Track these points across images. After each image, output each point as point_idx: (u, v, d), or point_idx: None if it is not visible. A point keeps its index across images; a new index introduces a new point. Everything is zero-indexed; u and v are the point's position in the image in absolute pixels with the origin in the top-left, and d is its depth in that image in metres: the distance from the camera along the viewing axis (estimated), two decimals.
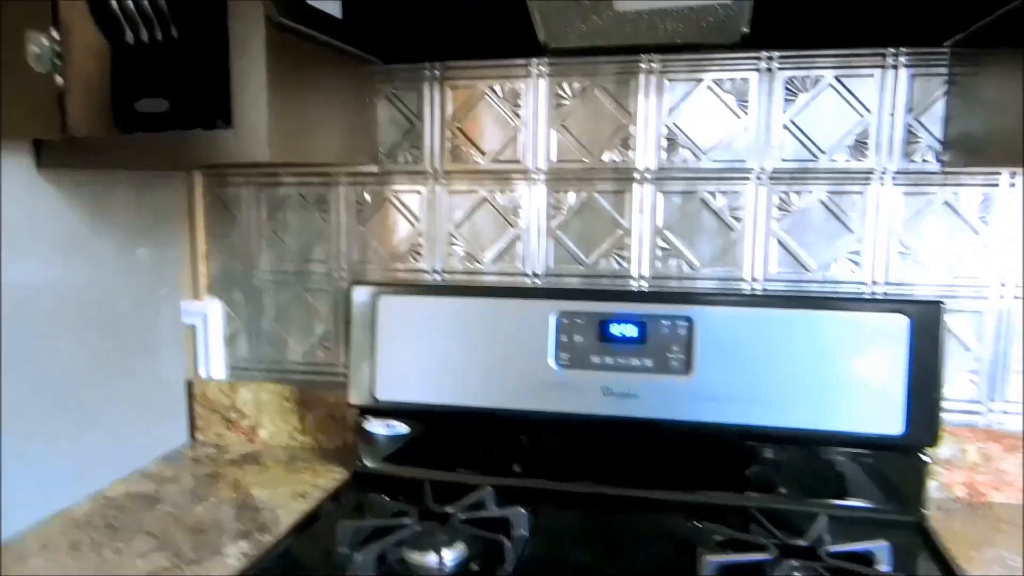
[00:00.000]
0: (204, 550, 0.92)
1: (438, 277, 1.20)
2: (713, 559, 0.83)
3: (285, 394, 1.28)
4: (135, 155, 0.95)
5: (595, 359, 1.04)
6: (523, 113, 1.15)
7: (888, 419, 0.96)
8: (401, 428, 1.14)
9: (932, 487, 1.05)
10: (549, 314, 1.05)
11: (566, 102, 1.13)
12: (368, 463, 1.14)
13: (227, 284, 1.29)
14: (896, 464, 0.98)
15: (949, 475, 1.06)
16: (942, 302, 0.98)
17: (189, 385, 1.30)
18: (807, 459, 1.01)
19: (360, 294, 1.13)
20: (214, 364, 1.30)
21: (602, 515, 1.00)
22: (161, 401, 1.25)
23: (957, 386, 1.06)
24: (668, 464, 1.04)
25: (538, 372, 1.05)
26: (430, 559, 0.87)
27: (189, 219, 1.28)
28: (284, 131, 0.91)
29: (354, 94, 1.11)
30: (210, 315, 1.29)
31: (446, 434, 1.12)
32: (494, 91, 1.15)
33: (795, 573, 0.81)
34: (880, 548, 0.86)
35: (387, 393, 1.12)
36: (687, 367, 1.01)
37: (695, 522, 0.95)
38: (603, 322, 1.04)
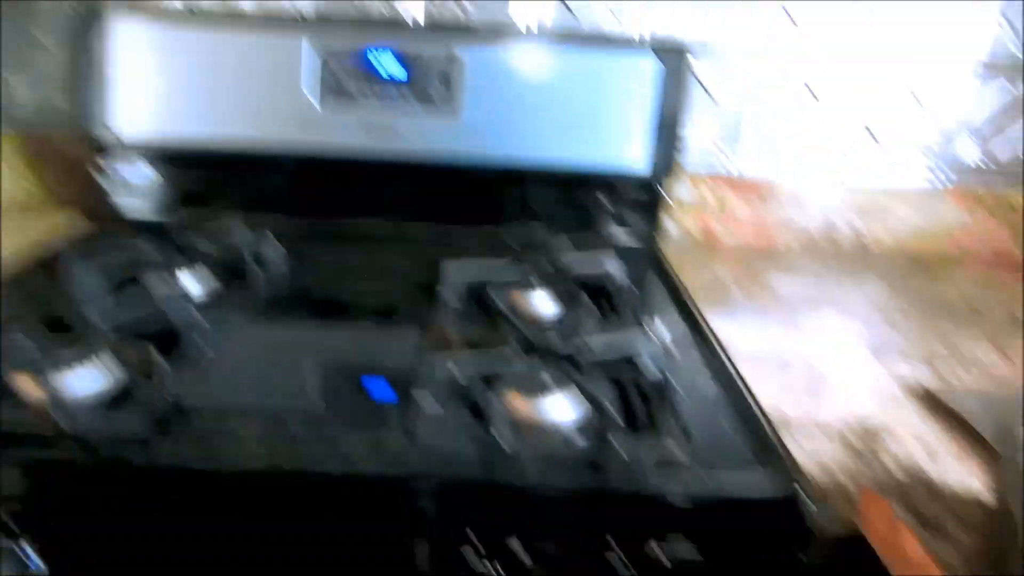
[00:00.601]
0: None
1: (187, 6, 1.08)
2: (457, 265, 0.86)
3: (13, 143, 1.13)
4: None
5: (359, 95, 1.00)
6: None
7: (634, 156, 1.01)
8: (147, 169, 1.05)
9: (672, 229, 1.14)
10: (312, 48, 0.99)
11: None
12: (111, 207, 1.06)
13: None
14: (638, 198, 1.05)
15: (688, 218, 1.16)
16: (689, 49, 1.02)
17: None
18: (560, 193, 1.05)
19: (97, 23, 0.99)
20: None
21: (361, 249, 1.00)
22: None
23: (701, 134, 1.13)
24: (429, 201, 1.05)
25: (299, 108, 1.00)
26: (173, 287, 0.83)
27: None
28: None
29: None
30: None
31: (198, 174, 1.05)
32: None
33: (532, 277, 0.86)
34: (613, 264, 0.93)
35: (132, 133, 1.02)
36: (452, 105, 1.00)
37: (448, 246, 0.96)
38: (368, 58, 0.99)
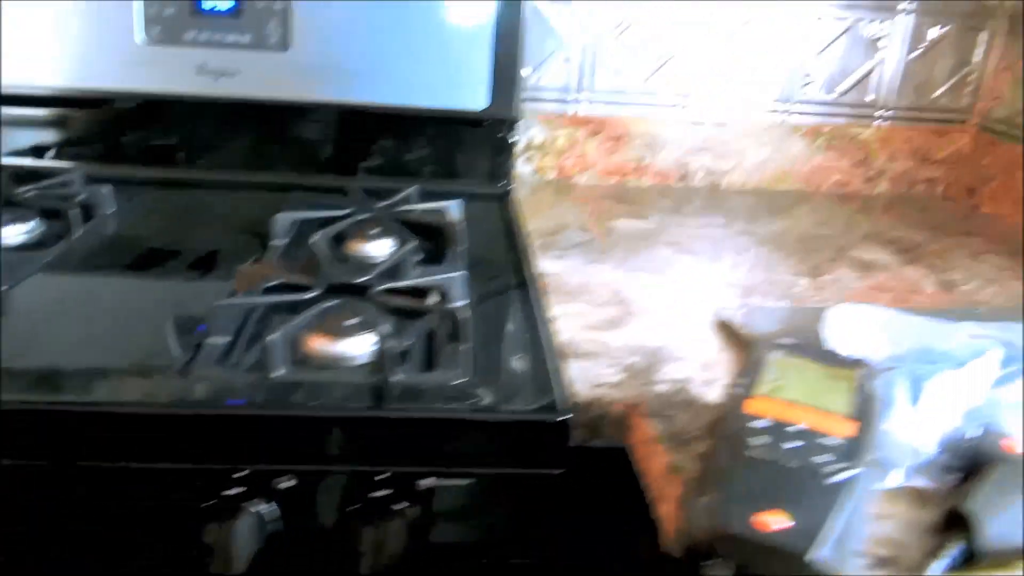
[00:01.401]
0: None
1: None
2: (287, 215, 0.86)
3: None
4: None
5: (187, 34, 0.97)
6: None
7: (474, 94, 1.01)
8: None
9: (527, 171, 1.15)
10: None
11: None
12: None
13: None
14: (482, 139, 1.05)
15: (542, 160, 1.17)
16: None
17: None
18: (402, 136, 1.05)
19: None
20: None
21: (195, 197, 0.99)
22: None
23: (550, 74, 1.13)
24: (266, 145, 1.04)
25: (124, 48, 0.96)
26: None
27: None
28: None
29: None
30: None
31: (18, 119, 1.01)
32: None
33: (365, 223, 0.86)
34: (452, 209, 0.94)
35: None
36: (285, 41, 0.98)
37: (287, 193, 0.96)
38: None
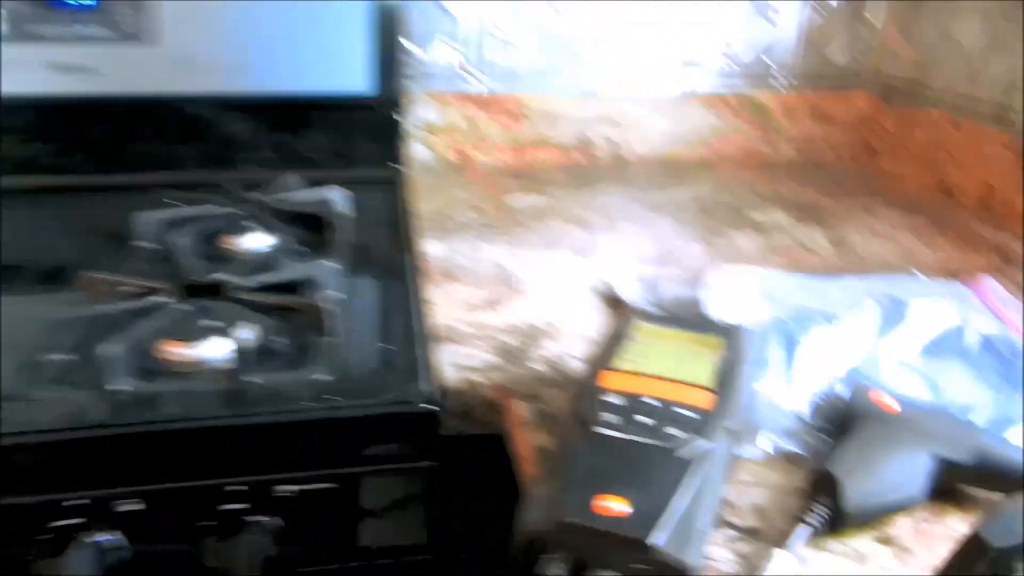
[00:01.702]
0: None
1: None
2: (150, 215, 0.81)
3: None
4: None
5: (40, 29, 0.90)
6: None
7: (356, 76, 0.97)
8: None
9: (422, 151, 1.12)
10: None
11: None
12: None
13: None
14: (369, 122, 1.01)
15: (438, 139, 1.13)
16: None
17: None
18: (285, 126, 1.00)
19: None
20: None
21: (58, 205, 0.92)
22: None
23: (439, 52, 1.09)
24: (136, 144, 0.98)
25: None
26: None
27: None
28: None
29: None
30: None
31: None
32: None
33: (241, 211, 0.81)
34: (335, 197, 0.89)
35: None
36: (149, 33, 0.92)
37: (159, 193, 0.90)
38: None
